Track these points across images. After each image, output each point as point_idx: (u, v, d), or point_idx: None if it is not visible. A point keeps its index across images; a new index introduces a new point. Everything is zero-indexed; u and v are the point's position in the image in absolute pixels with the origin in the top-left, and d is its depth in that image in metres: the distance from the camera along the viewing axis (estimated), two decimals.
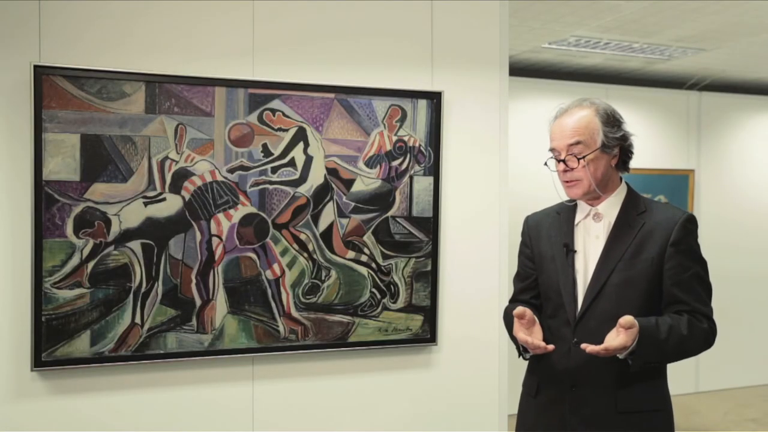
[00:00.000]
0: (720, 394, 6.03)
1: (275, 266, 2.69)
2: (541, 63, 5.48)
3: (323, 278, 2.76)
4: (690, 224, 2.03)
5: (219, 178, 2.62)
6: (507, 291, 2.75)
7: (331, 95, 2.75)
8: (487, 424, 3.03)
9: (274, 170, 2.69)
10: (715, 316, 2.04)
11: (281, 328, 2.71)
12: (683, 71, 5.72)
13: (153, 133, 2.53)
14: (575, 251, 2.11)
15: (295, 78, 2.71)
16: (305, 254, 2.73)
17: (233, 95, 2.62)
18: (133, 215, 2.52)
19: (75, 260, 2.46)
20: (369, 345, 2.83)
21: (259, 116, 2.66)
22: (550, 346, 2.01)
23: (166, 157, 2.55)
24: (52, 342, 2.44)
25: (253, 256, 2.67)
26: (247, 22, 2.69)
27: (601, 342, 1.91)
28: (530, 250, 2.24)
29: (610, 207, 2.11)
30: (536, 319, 2.10)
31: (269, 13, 2.71)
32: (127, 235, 2.51)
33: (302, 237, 2.72)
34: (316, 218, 2.74)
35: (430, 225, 2.89)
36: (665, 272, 2.01)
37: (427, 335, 2.91)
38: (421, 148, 2.87)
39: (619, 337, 1.89)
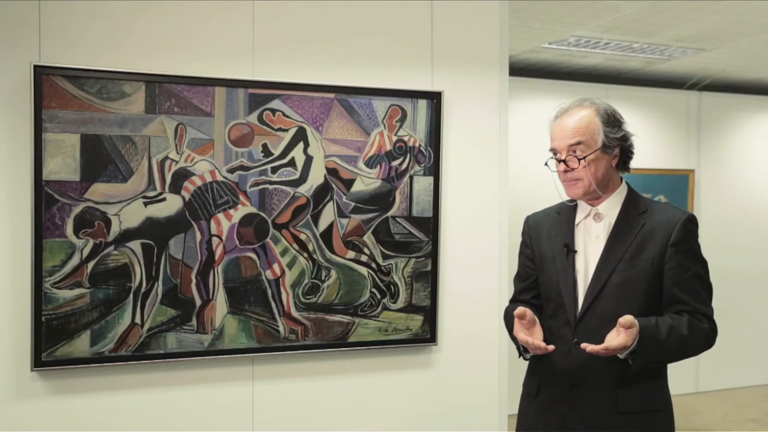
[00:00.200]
0: (720, 394, 6.03)
1: (275, 266, 2.69)
2: (541, 63, 5.48)
3: (323, 278, 2.76)
4: (690, 224, 2.03)
5: (219, 178, 2.62)
6: (507, 291, 2.76)
7: (331, 95, 2.75)
8: (487, 424, 3.03)
9: (274, 170, 2.69)
10: (716, 316, 2.04)
11: (281, 328, 2.71)
12: (683, 71, 5.72)
13: (153, 133, 2.53)
14: (575, 251, 2.11)
15: (295, 78, 2.71)
16: (305, 254, 2.73)
17: (233, 95, 2.62)
18: (133, 215, 2.52)
19: (75, 260, 2.46)
20: (369, 345, 2.83)
21: (259, 116, 2.66)
22: (551, 347, 2.01)
23: (166, 157, 2.55)
24: (52, 342, 2.44)
25: (253, 256, 2.67)
26: (247, 22, 2.68)
27: (601, 342, 1.91)
28: (530, 250, 2.24)
29: (611, 207, 2.11)
30: (537, 319, 2.10)
31: (269, 13, 2.71)
32: (127, 235, 2.51)
33: (302, 237, 2.72)
34: (316, 218, 2.74)
35: (430, 225, 2.89)
36: (665, 272, 2.01)
37: (427, 335, 2.91)
38: (421, 148, 2.87)
39: (619, 337, 1.89)
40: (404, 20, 2.90)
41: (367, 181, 2.80)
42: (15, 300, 2.44)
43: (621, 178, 2.15)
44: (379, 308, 2.83)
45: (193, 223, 2.59)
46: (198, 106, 2.58)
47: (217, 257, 2.62)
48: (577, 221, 2.16)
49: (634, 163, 2.20)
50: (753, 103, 6.36)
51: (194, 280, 2.59)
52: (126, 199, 2.51)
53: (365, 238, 2.80)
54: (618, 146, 2.08)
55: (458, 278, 2.97)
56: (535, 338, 2.04)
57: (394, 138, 2.83)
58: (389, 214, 2.83)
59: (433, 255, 2.90)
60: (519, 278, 2.30)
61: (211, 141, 2.60)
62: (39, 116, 2.39)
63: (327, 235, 2.75)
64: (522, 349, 2.13)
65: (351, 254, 2.79)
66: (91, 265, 2.48)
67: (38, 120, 2.39)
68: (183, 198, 2.58)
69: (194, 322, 2.60)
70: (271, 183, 2.69)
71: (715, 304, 2.07)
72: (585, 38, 4.65)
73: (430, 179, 2.89)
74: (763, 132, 6.40)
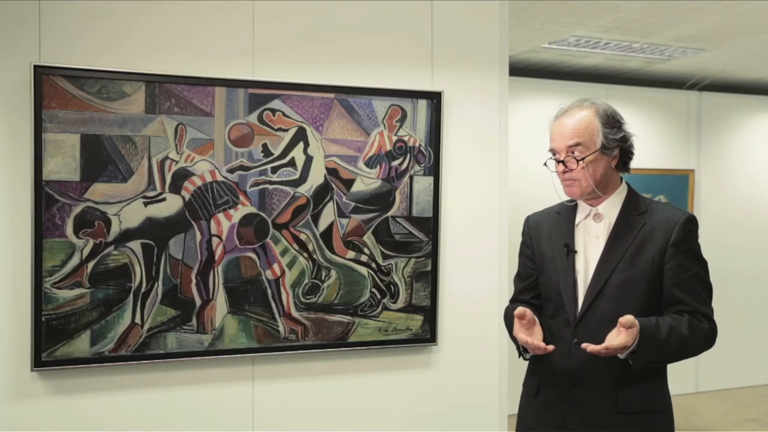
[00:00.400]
0: (720, 394, 6.03)
1: (275, 266, 2.69)
2: (541, 63, 5.48)
3: (323, 278, 2.76)
4: (690, 224, 2.03)
5: (219, 178, 2.62)
6: (507, 291, 2.76)
7: (331, 95, 2.75)
8: (487, 424, 3.03)
9: (274, 170, 2.69)
10: (715, 316, 2.04)
11: (281, 328, 2.71)
12: (683, 71, 5.72)
13: (153, 133, 2.53)
14: (575, 251, 2.11)
15: (295, 78, 2.71)
16: (305, 254, 2.73)
17: (233, 95, 2.62)
18: (133, 215, 2.52)
19: (75, 260, 2.46)
20: (369, 345, 2.83)
21: (259, 116, 2.66)
22: (550, 347, 2.01)
23: (166, 157, 2.55)
24: (52, 342, 2.44)
25: (253, 256, 2.67)
26: (247, 22, 2.68)
27: (601, 342, 1.91)
28: (531, 250, 2.24)
29: (611, 207, 2.11)
30: (536, 319, 2.10)
31: (269, 13, 2.71)
32: (127, 235, 2.51)
33: (302, 237, 2.72)
34: (316, 218, 2.74)
35: (430, 225, 2.89)
36: (665, 272, 2.01)
37: (427, 335, 2.91)
38: (421, 148, 2.87)
39: (619, 337, 1.89)
40: (404, 20, 2.90)
41: (367, 181, 2.80)
42: (15, 300, 2.44)
43: (621, 179, 2.15)
44: (379, 308, 2.83)
45: (193, 223, 2.59)
46: (198, 106, 2.58)
47: (217, 257, 2.62)
48: (577, 221, 2.16)
49: (634, 163, 2.19)
50: (753, 103, 6.36)
51: (194, 280, 2.59)
52: (126, 199, 2.51)
53: (365, 238, 2.80)
54: (617, 147, 2.07)
55: (458, 278, 2.97)
56: (535, 338, 2.04)
57: (394, 138, 2.83)
58: (389, 214, 2.83)
59: (433, 255, 2.90)
60: (519, 278, 2.30)
61: (211, 141, 2.60)
62: (39, 116, 2.39)
63: (327, 235, 2.75)
64: (522, 349, 2.13)
65: (351, 254, 2.79)
66: (91, 265, 2.48)
67: (38, 120, 2.39)
68: (183, 198, 2.58)
69: (194, 322, 2.60)
70: (271, 183, 2.69)
71: (715, 304, 2.07)
72: (585, 38, 4.65)
73: (430, 179, 2.89)
74: (763, 132, 6.40)
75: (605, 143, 2.04)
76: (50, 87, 2.41)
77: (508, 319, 2.20)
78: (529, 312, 2.06)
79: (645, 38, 4.65)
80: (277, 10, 2.72)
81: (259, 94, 2.66)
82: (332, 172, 2.76)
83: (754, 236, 6.30)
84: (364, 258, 2.81)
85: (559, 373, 2.07)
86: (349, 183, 2.78)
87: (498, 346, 3.04)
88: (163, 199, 2.55)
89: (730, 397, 5.97)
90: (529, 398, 2.19)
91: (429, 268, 2.89)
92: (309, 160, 2.73)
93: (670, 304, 2.01)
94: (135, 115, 2.51)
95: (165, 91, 2.54)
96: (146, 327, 2.54)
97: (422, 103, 2.87)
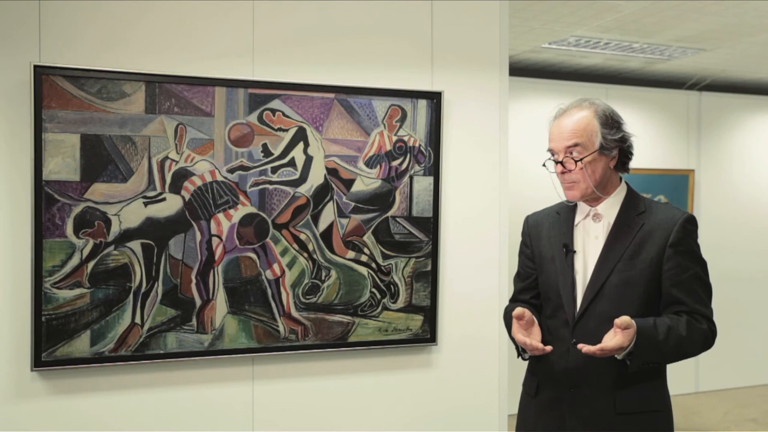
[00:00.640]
0: (720, 394, 6.03)
1: (275, 266, 2.69)
2: (541, 63, 5.48)
3: (323, 278, 2.76)
4: (689, 225, 2.03)
5: (219, 178, 2.62)
6: (507, 291, 2.76)
7: (331, 95, 2.75)
8: (487, 424, 3.04)
9: (274, 170, 2.69)
10: (715, 316, 2.04)
11: (281, 328, 2.71)
12: (683, 71, 5.72)
13: (153, 133, 2.53)
14: (575, 252, 2.11)
15: (295, 78, 2.72)
16: (305, 254, 2.73)
17: (233, 95, 2.62)
18: (133, 215, 2.52)
19: (75, 260, 2.46)
20: (369, 345, 2.83)
21: (259, 116, 2.66)
22: (548, 348, 2.01)
23: (166, 157, 2.55)
24: (52, 342, 2.44)
25: (253, 256, 2.67)
26: (247, 22, 2.69)
27: (599, 343, 1.91)
28: (530, 250, 2.24)
29: (610, 207, 2.11)
30: (535, 319, 2.10)
31: (269, 13, 2.72)
32: (127, 235, 2.51)
33: (302, 237, 2.72)
34: (316, 218, 2.74)
35: (430, 225, 2.89)
36: (664, 273, 2.00)
37: (427, 335, 2.91)
38: (421, 148, 2.87)
39: (615, 338, 1.88)
40: (404, 20, 2.90)
41: (367, 181, 2.80)
42: (15, 300, 2.44)
43: (620, 179, 2.14)
44: (379, 308, 2.83)
45: (193, 223, 2.59)
46: (198, 106, 2.58)
47: (217, 257, 2.62)
48: (576, 221, 2.15)
49: (634, 163, 2.19)
50: (753, 103, 6.35)
51: (194, 280, 2.60)
52: (126, 199, 2.51)
53: (365, 238, 2.80)
54: (616, 148, 2.07)
55: (458, 278, 2.98)
56: (534, 339, 2.04)
57: (394, 138, 2.83)
58: (389, 214, 2.83)
59: (433, 255, 2.90)
60: (519, 278, 2.30)
61: (211, 141, 2.60)
62: (39, 116, 2.40)
63: (327, 235, 2.75)
64: (520, 350, 2.13)
65: (351, 254, 2.79)
66: (91, 265, 2.48)
67: (38, 120, 2.39)
68: (183, 198, 2.58)
69: (194, 322, 2.60)
70: (271, 183, 2.69)
71: (715, 304, 2.07)
72: (585, 38, 4.65)
73: (430, 179, 2.89)
74: (763, 132, 6.40)
75: (604, 144, 2.04)
76: (50, 87, 2.41)
77: (508, 319, 2.20)
78: (527, 312, 2.06)
79: (645, 38, 4.65)
80: (277, 10, 2.73)
81: (259, 94, 2.66)
82: (332, 172, 2.76)
83: (754, 236, 6.30)
84: (364, 258, 2.81)
85: (558, 373, 2.07)
86: (349, 183, 2.78)
87: (498, 346, 3.05)
88: (163, 199, 2.55)
89: (730, 397, 5.97)
90: (529, 398, 2.18)
91: (429, 268, 2.89)
92: (309, 160, 2.73)
93: (669, 304, 2.01)
94: (135, 115, 2.51)
95: (165, 91, 2.54)
96: (146, 327, 2.54)
97: (422, 103, 2.87)
